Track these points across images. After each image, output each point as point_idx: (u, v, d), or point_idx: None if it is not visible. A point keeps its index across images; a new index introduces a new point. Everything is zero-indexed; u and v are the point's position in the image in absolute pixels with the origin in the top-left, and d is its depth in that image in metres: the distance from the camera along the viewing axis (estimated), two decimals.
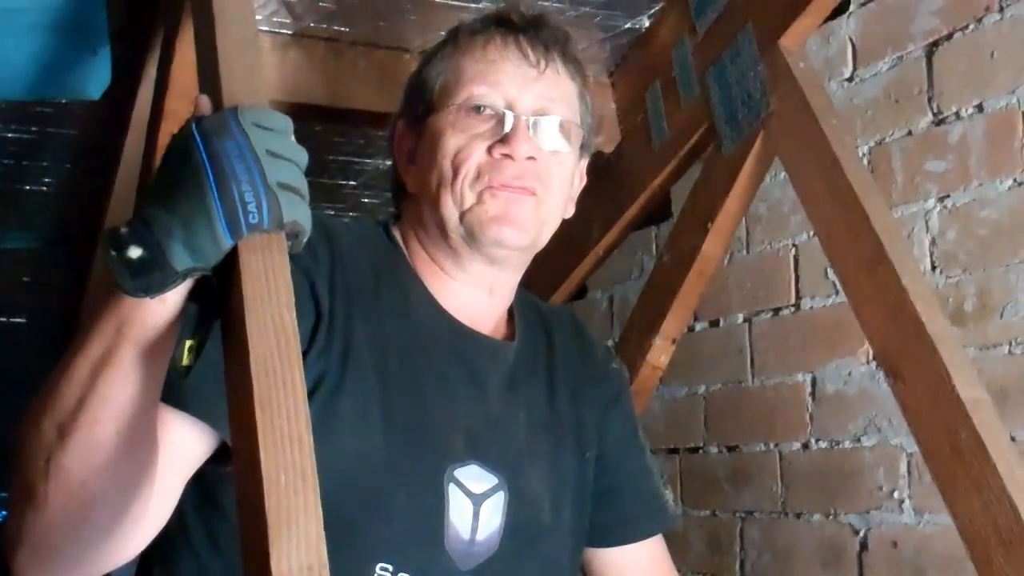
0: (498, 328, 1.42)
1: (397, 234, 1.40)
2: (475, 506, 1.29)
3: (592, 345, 1.54)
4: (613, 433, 1.49)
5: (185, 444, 1.12)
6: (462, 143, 1.31)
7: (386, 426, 1.24)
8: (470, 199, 1.30)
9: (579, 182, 1.44)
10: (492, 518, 1.30)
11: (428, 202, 1.34)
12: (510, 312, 1.45)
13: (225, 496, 1.18)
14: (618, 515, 1.49)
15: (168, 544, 1.22)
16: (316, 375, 1.20)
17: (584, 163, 1.44)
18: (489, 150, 1.30)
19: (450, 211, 1.31)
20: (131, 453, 1.00)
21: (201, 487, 1.19)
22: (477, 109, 1.32)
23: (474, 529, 1.29)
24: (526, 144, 1.30)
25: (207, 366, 1.05)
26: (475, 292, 1.38)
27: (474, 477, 1.30)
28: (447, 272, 1.36)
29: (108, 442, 0.98)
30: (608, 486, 1.48)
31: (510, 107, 1.32)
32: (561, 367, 1.46)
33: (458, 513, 1.27)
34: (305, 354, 1.18)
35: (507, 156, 1.30)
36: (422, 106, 1.37)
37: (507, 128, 1.31)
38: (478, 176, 1.30)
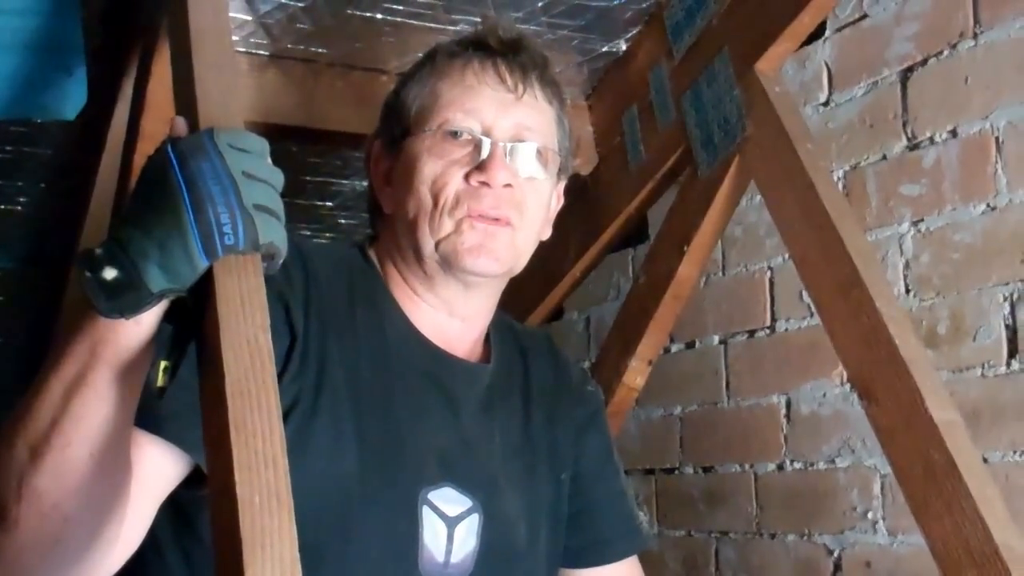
0: (473, 350, 1.42)
1: (373, 256, 1.40)
2: (449, 529, 1.29)
3: (567, 367, 1.54)
4: (588, 455, 1.49)
5: (159, 468, 1.11)
6: (439, 170, 1.31)
7: (360, 449, 1.24)
8: (448, 228, 1.30)
9: (556, 204, 1.44)
10: (466, 541, 1.30)
11: (405, 226, 1.33)
12: (487, 334, 1.45)
13: (199, 519, 1.18)
14: (592, 537, 1.49)
15: (143, 567, 1.21)
16: (290, 398, 1.20)
17: (562, 185, 1.45)
18: (466, 177, 1.30)
19: (427, 238, 1.31)
20: (104, 475, 1.00)
21: (176, 510, 1.18)
22: (454, 134, 1.32)
23: (448, 552, 1.28)
24: (503, 171, 1.30)
25: (181, 389, 1.04)
26: (448, 316, 1.38)
27: (448, 500, 1.30)
28: (420, 296, 1.36)
29: (81, 464, 0.98)
30: (582, 507, 1.48)
31: (487, 133, 1.32)
32: (536, 390, 1.46)
33: (432, 536, 1.27)
34: (279, 377, 1.18)
35: (484, 184, 1.30)
36: (399, 128, 1.37)
37: (484, 155, 1.31)
38: (456, 204, 1.30)
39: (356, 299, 1.32)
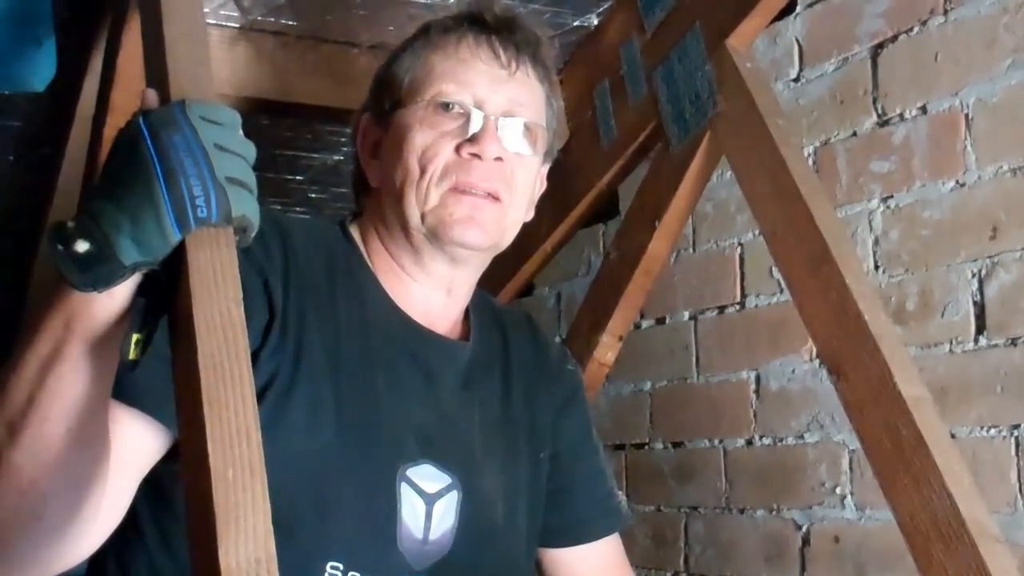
0: (454, 328, 1.42)
1: (355, 232, 1.39)
2: (428, 505, 1.29)
3: (547, 346, 1.55)
4: (567, 434, 1.50)
5: (137, 442, 1.11)
6: (429, 140, 1.31)
7: (338, 425, 1.24)
8: (435, 198, 1.30)
9: (540, 187, 1.44)
10: (445, 518, 1.30)
11: (392, 198, 1.33)
12: (466, 312, 1.45)
13: (177, 495, 1.18)
14: (571, 516, 1.49)
15: (121, 543, 1.21)
16: (268, 373, 1.20)
17: (546, 168, 1.45)
18: (457, 149, 1.30)
19: (413, 209, 1.31)
20: (83, 450, 1.00)
21: (153, 486, 1.18)
22: (446, 106, 1.32)
23: (427, 528, 1.29)
24: (494, 144, 1.30)
25: (157, 361, 1.04)
26: (432, 292, 1.38)
27: (427, 477, 1.30)
28: (406, 270, 1.36)
29: (59, 439, 0.97)
30: (561, 487, 1.48)
31: (479, 106, 1.32)
32: (516, 368, 1.46)
33: (411, 512, 1.27)
34: (258, 352, 1.18)
35: (475, 156, 1.30)
36: (389, 100, 1.37)
37: (475, 128, 1.31)
38: (445, 175, 1.30)
39: (336, 274, 1.32)
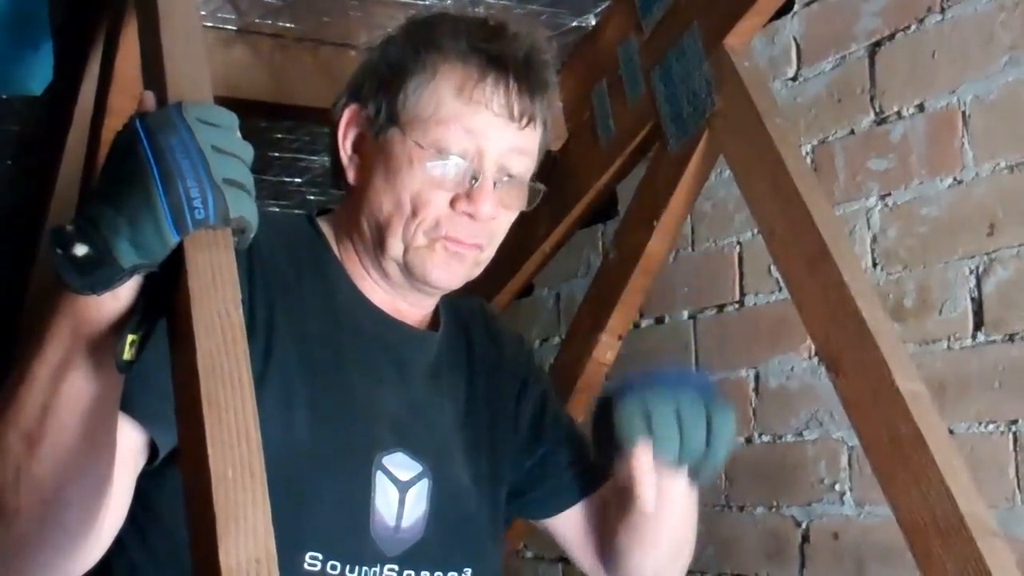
0: (423, 319, 1.42)
1: (325, 226, 1.38)
2: (401, 493, 1.30)
3: (500, 333, 1.55)
4: (527, 414, 1.51)
5: (128, 440, 1.11)
6: (425, 187, 1.28)
7: (311, 416, 1.24)
8: (420, 241, 1.29)
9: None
10: (417, 505, 1.31)
11: (373, 218, 1.32)
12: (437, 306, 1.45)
13: (156, 497, 1.18)
14: (547, 488, 1.51)
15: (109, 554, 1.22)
16: None
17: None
18: (453, 202, 1.29)
19: (395, 243, 1.30)
20: (100, 453, 1.01)
21: (135, 489, 1.18)
22: (447, 158, 1.29)
23: (399, 516, 1.29)
24: (490, 204, 1.29)
25: (140, 362, 1.04)
26: (398, 300, 1.38)
27: (400, 465, 1.30)
28: (372, 279, 1.36)
29: (76, 446, 0.98)
30: (532, 465, 1.50)
31: (481, 158, 1.29)
32: (478, 361, 1.47)
33: (384, 500, 1.28)
34: None
35: (469, 215, 1.29)
36: (387, 108, 1.32)
37: (474, 184, 1.29)
38: (435, 225, 1.29)
39: (302, 267, 1.31)
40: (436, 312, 1.45)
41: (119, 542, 1.23)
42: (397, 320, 1.36)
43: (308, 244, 1.36)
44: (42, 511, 0.99)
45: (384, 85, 1.34)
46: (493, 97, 1.30)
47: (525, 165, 1.35)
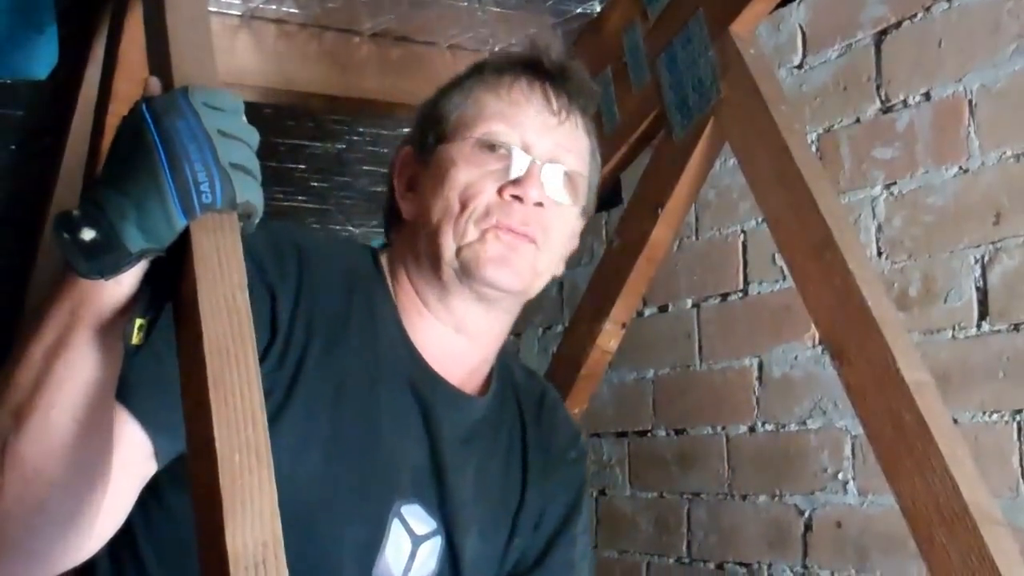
0: (471, 379, 1.40)
1: (384, 262, 1.38)
2: (414, 546, 1.29)
3: (555, 428, 1.51)
4: (549, 519, 1.47)
5: (134, 441, 1.10)
6: (473, 178, 1.30)
7: (329, 454, 1.23)
8: (472, 235, 1.29)
9: (573, 244, 1.43)
10: (427, 562, 1.30)
11: (426, 230, 1.32)
12: (491, 369, 1.43)
13: (167, 489, 1.18)
14: None
15: (113, 541, 1.22)
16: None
17: (581, 225, 1.44)
18: (499, 191, 1.30)
19: (448, 243, 1.29)
20: (88, 439, 1.00)
21: (147, 485, 1.18)
22: (492, 147, 1.31)
23: (407, 569, 1.29)
24: (536, 188, 1.30)
25: (149, 359, 1.04)
26: (453, 335, 1.36)
27: (417, 517, 1.30)
28: (429, 308, 1.35)
29: (64, 427, 0.97)
30: (531, 568, 1.46)
31: (526, 149, 1.32)
32: (521, 443, 1.45)
33: (395, 549, 1.27)
34: None
35: (517, 198, 1.29)
36: (433, 135, 1.36)
37: (520, 171, 1.30)
38: (485, 214, 1.29)
39: (354, 305, 1.31)
40: (489, 377, 1.43)
41: (128, 534, 1.23)
42: (436, 374, 1.34)
43: (366, 280, 1.35)
44: (22, 491, 0.98)
45: (429, 120, 1.38)
46: (531, 94, 1.34)
47: (571, 161, 1.36)
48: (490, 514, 1.39)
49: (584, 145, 1.39)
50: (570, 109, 1.36)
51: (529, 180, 1.30)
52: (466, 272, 1.29)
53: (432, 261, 1.32)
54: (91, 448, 1.01)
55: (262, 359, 1.19)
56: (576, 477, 1.52)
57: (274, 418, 1.19)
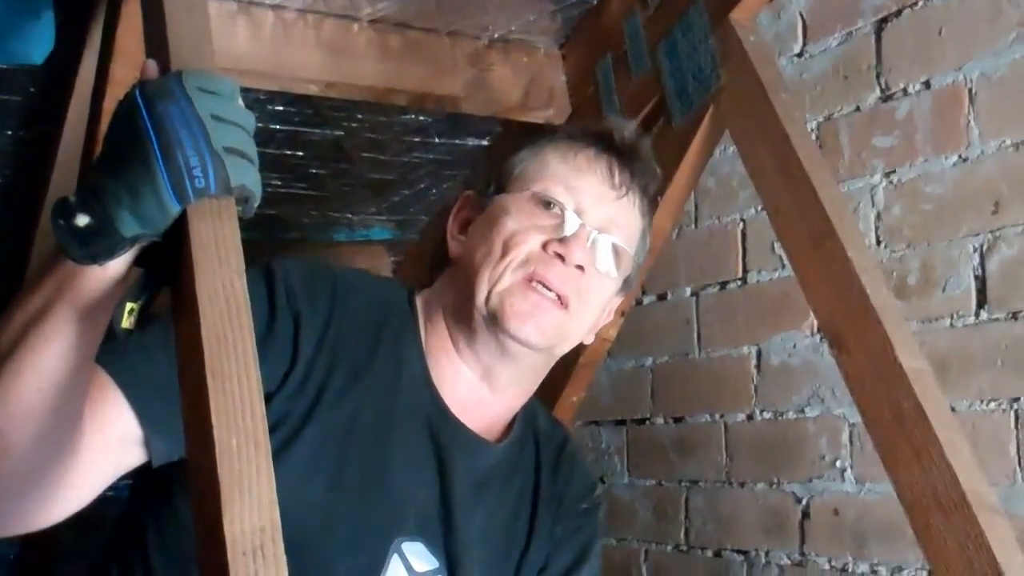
0: (491, 426, 1.40)
1: (420, 303, 1.38)
2: None
3: (571, 479, 1.51)
4: (554, 569, 1.47)
5: (122, 427, 1.11)
6: (521, 228, 1.31)
7: (332, 484, 1.23)
8: (506, 282, 1.30)
9: (607, 317, 1.44)
10: None
11: (465, 271, 1.33)
12: (514, 418, 1.43)
13: (181, 503, 1.17)
14: None
15: (125, 540, 1.22)
16: (276, 418, 1.19)
17: (618, 301, 1.45)
18: (544, 245, 1.31)
19: (483, 286, 1.30)
20: (52, 412, 1.00)
21: (158, 486, 1.18)
22: (547, 204, 1.33)
23: None
24: (582, 251, 1.31)
25: (164, 368, 1.04)
26: (477, 382, 1.36)
27: (418, 555, 1.30)
28: (457, 349, 1.35)
29: (28, 395, 0.98)
30: None
31: (579, 213, 1.33)
32: (533, 487, 1.45)
33: None
34: (272, 395, 1.18)
35: (560, 256, 1.30)
36: (495, 184, 1.39)
37: (569, 231, 1.31)
38: (524, 264, 1.30)
39: (382, 341, 1.31)
40: (511, 424, 1.43)
41: (139, 542, 1.23)
42: (455, 418, 1.35)
43: (398, 318, 1.35)
44: None
45: (495, 167, 1.41)
46: (596, 164, 1.37)
47: (621, 236, 1.37)
48: (496, 556, 1.40)
49: (637, 223, 1.40)
50: (631, 187, 1.38)
51: (576, 241, 1.31)
52: (492, 320, 1.30)
53: (465, 303, 1.33)
54: (54, 421, 1.01)
55: (281, 384, 1.20)
56: (587, 527, 1.52)
57: (286, 445, 1.20)
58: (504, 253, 1.30)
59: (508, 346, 1.32)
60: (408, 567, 1.29)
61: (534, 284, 1.29)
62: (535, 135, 1.44)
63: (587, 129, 1.42)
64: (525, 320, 1.29)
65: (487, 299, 1.30)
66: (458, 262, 1.37)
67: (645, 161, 1.42)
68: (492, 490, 1.39)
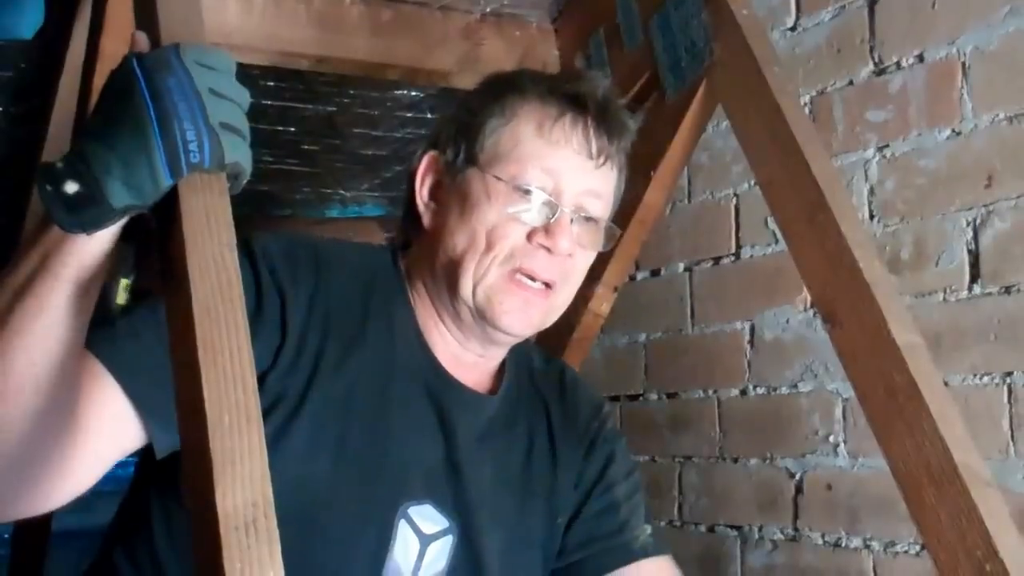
0: (482, 379, 1.41)
1: (403, 265, 1.38)
2: (422, 546, 1.29)
3: (578, 404, 1.52)
4: (585, 479, 1.48)
5: (118, 414, 1.10)
6: (502, 220, 1.30)
7: (337, 456, 1.23)
8: (492, 277, 1.29)
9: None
10: (436, 561, 1.31)
11: (446, 257, 1.32)
12: (502, 364, 1.44)
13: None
14: (576, 553, 1.47)
15: (130, 528, 1.22)
16: (273, 396, 1.19)
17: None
18: (528, 236, 1.30)
19: (468, 280, 1.30)
20: (38, 388, 0.99)
21: (165, 473, 1.17)
22: (525, 191, 1.30)
23: (416, 569, 1.29)
24: (567, 240, 1.30)
25: (160, 352, 1.04)
26: (463, 350, 1.38)
27: (426, 517, 1.30)
28: (444, 325, 1.36)
29: (18, 370, 0.97)
30: (570, 522, 1.47)
31: (558, 195, 1.31)
32: (545, 428, 1.46)
33: (403, 550, 1.28)
34: (265, 374, 1.19)
35: (545, 248, 1.29)
36: (466, 153, 1.34)
37: (551, 219, 1.30)
38: (509, 257, 1.29)
39: (371, 308, 1.31)
40: (500, 372, 1.44)
41: (148, 536, 1.23)
42: (451, 377, 1.35)
43: (385, 282, 1.35)
44: None
45: (463, 130, 1.36)
46: (572, 135, 1.33)
47: (601, 208, 1.36)
48: (514, 503, 1.40)
49: (614, 184, 1.40)
50: (608, 152, 1.36)
51: (560, 230, 1.30)
52: (480, 315, 1.31)
53: (450, 292, 1.33)
54: (41, 398, 1.00)
55: (274, 361, 1.20)
56: (607, 438, 1.53)
57: (288, 422, 1.20)
58: (488, 247, 1.29)
59: (496, 337, 1.34)
60: (417, 532, 1.29)
61: (519, 277, 1.30)
62: (502, 87, 1.38)
63: (558, 86, 1.37)
64: (514, 317, 1.31)
65: (474, 291, 1.30)
66: (433, 234, 1.35)
67: (619, 120, 1.38)
68: (496, 441, 1.40)
